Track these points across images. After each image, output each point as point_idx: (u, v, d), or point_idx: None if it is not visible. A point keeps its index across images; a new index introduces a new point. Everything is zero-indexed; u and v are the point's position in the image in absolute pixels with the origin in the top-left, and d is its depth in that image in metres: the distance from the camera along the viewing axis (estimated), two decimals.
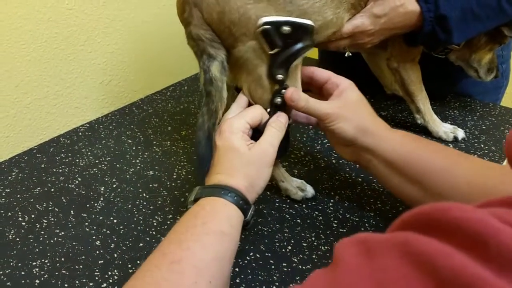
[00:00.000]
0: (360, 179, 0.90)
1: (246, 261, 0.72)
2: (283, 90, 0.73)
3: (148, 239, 0.78)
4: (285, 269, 0.71)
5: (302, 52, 0.72)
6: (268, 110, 0.74)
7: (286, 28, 0.68)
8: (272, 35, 0.69)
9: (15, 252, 0.77)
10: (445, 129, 1.00)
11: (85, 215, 0.85)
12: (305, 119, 0.80)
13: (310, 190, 0.85)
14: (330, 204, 0.84)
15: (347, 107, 0.73)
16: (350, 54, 0.90)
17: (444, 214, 0.28)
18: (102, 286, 0.70)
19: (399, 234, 0.30)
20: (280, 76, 0.72)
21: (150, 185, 0.92)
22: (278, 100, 0.73)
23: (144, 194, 0.89)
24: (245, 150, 0.66)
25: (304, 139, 1.05)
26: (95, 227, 0.81)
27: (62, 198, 0.90)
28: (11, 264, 0.75)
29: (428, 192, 0.68)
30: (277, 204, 0.84)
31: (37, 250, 0.77)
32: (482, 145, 1.00)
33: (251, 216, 0.65)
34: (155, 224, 0.81)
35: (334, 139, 0.76)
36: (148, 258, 0.55)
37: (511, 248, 0.24)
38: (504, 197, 0.29)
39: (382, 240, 0.30)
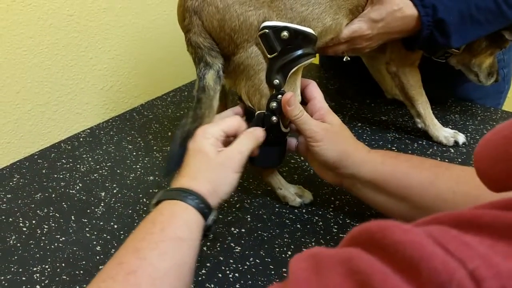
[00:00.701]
0: None
1: (246, 267, 0.72)
2: (279, 96, 0.73)
3: None
4: (285, 275, 0.71)
5: (302, 59, 0.73)
6: (264, 113, 0.75)
7: (285, 34, 0.69)
8: (271, 39, 0.69)
9: (16, 257, 0.77)
10: (446, 133, 1.00)
11: (85, 220, 0.85)
12: (294, 148, 0.81)
13: (308, 196, 0.85)
14: (330, 209, 0.84)
15: (331, 132, 0.74)
16: (349, 59, 0.90)
17: (384, 234, 0.28)
18: None
19: (345, 250, 0.30)
20: (276, 81, 0.72)
21: (151, 191, 0.92)
22: (274, 104, 0.74)
23: (145, 200, 0.89)
24: (213, 155, 0.64)
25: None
26: (95, 233, 0.82)
27: (63, 203, 0.90)
28: (12, 269, 0.75)
29: (414, 207, 0.69)
30: (277, 209, 0.84)
31: (37, 255, 0.77)
32: None
33: (213, 221, 0.63)
34: None
35: (316, 162, 0.77)
36: (104, 267, 0.53)
37: (440, 272, 0.24)
38: (446, 214, 0.29)
39: (330, 256, 0.30)
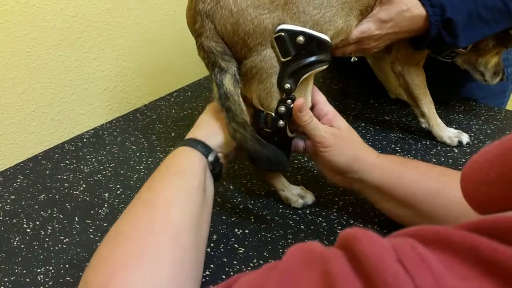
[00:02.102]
0: None
1: (249, 268, 0.72)
2: (289, 100, 0.73)
3: None
4: None
5: (315, 66, 0.72)
6: (272, 116, 0.75)
7: (300, 39, 0.69)
8: (287, 43, 0.69)
9: (20, 259, 0.77)
10: (450, 133, 1.00)
11: (89, 221, 0.85)
12: (303, 150, 0.81)
13: (310, 197, 0.85)
14: (334, 210, 0.83)
15: (340, 137, 0.75)
16: (356, 59, 0.90)
17: (354, 243, 0.30)
18: None
19: (331, 251, 0.32)
20: (287, 86, 0.72)
21: None
22: (282, 109, 0.74)
23: None
24: (214, 112, 0.75)
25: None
26: (99, 234, 0.81)
27: (67, 204, 0.90)
28: (16, 271, 0.75)
29: (420, 214, 0.69)
30: (280, 210, 0.84)
31: (41, 257, 0.77)
32: None
33: (214, 159, 0.70)
34: None
35: (325, 166, 0.78)
36: (128, 206, 0.63)
37: (390, 286, 0.26)
38: (427, 228, 0.30)
39: (320, 253, 0.32)
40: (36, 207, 0.90)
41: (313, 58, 0.71)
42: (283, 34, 0.69)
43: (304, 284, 0.31)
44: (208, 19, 0.70)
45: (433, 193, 0.67)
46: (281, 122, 0.75)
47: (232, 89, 0.70)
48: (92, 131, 1.16)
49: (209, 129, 0.73)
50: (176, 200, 0.61)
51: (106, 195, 0.92)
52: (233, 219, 0.83)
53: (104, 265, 0.53)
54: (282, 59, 0.70)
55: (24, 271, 0.75)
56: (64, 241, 0.81)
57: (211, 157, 0.69)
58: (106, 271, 0.52)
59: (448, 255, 0.28)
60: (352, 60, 0.90)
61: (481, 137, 1.04)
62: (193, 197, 0.63)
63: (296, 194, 0.84)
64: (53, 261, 0.76)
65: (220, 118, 0.73)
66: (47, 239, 0.81)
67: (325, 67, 0.74)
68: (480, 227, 0.28)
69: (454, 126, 1.06)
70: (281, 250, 0.75)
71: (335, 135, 0.74)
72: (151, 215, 0.58)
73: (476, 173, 0.34)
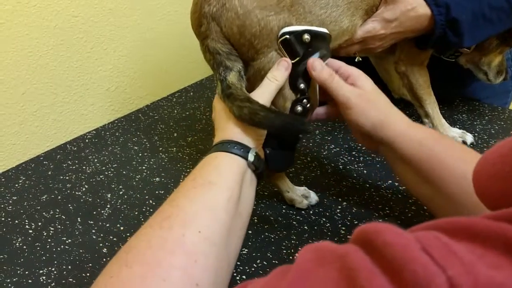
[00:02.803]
0: (368, 185, 0.89)
1: (253, 269, 0.72)
2: (305, 100, 0.73)
3: None
4: None
5: (322, 60, 0.72)
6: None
7: (306, 37, 0.69)
8: (294, 44, 0.69)
9: (22, 260, 0.77)
10: (454, 134, 0.99)
11: (91, 222, 0.84)
12: (325, 115, 0.79)
13: (313, 197, 0.85)
14: (338, 210, 0.83)
15: (365, 99, 0.71)
16: (361, 59, 0.90)
17: (377, 235, 0.29)
18: None
19: (345, 246, 0.32)
20: (302, 85, 0.72)
21: (157, 192, 0.91)
22: (299, 108, 0.73)
23: (151, 201, 0.89)
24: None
25: (311, 144, 1.04)
26: (102, 235, 0.81)
27: (69, 205, 0.89)
28: (18, 272, 0.74)
29: (439, 193, 0.66)
30: (284, 211, 0.84)
31: (44, 258, 0.77)
32: None
33: (254, 157, 0.64)
34: None
35: (352, 128, 0.76)
36: (147, 221, 0.57)
37: (420, 276, 0.25)
38: (446, 220, 0.30)
39: (332, 250, 0.32)
40: (38, 208, 0.89)
41: (318, 54, 0.71)
42: (288, 36, 0.69)
43: (322, 282, 0.30)
44: (214, 21, 0.69)
45: (460, 176, 0.64)
46: (299, 108, 0.74)
47: (236, 82, 0.69)
48: (94, 132, 1.16)
49: (239, 126, 0.66)
50: (194, 220, 0.54)
51: (109, 195, 0.91)
52: None
53: (107, 286, 0.49)
54: (292, 61, 0.70)
55: (27, 272, 0.74)
56: (67, 242, 0.80)
57: (251, 157, 0.63)
58: None
59: (475, 244, 0.27)
60: (356, 60, 0.90)
61: (485, 137, 1.04)
62: (219, 214, 0.56)
63: (300, 195, 0.84)
64: (55, 262, 0.76)
65: None
66: (49, 240, 0.81)
67: (327, 60, 0.74)
68: (504, 216, 0.28)
69: (458, 126, 1.05)
70: (284, 251, 0.74)
71: (360, 96, 0.71)
72: (165, 237, 0.52)
73: (489, 168, 0.33)
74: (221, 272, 0.54)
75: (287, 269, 0.34)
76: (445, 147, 0.69)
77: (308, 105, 0.74)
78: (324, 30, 0.72)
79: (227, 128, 0.67)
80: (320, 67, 0.71)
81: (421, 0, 0.82)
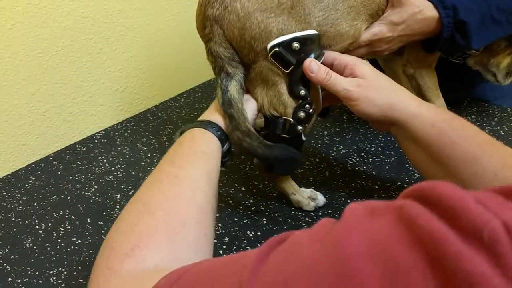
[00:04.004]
0: (377, 187, 0.89)
1: None
2: (307, 106, 0.73)
3: None
4: None
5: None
6: (290, 122, 0.74)
7: (296, 45, 0.69)
8: (285, 55, 0.69)
9: (32, 260, 0.78)
10: None
11: (101, 223, 0.85)
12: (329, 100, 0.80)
13: (321, 198, 0.85)
14: None
15: (367, 87, 0.70)
16: (368, 62, 0.89)
17: (433, 189, 0.31)
18: None
19: (398, 200, 0.33)
20: (302, 92, 0.72)
21: None
22: (302, 114, 0.73)
23: None
24: None
25: (319, 145, 1.04)
26: None
27: (79, 206, 0.90)
28: (29, 272, 0.75)
29: (450, 175, 0.65)
30: (292, 212, 0.84)
31: (54, 258, 0.78)
32: None
33: (227, 148, 0.70)
34: None
35: (362, 117, 0.75)
36: (148, 177, 0.62)
37: (476, 221, 0.27)
38: (497, 186, 0.32)
39: (384, 204, 0.34)
40: (48, 208, 0.90)
41: (312, 56, 0.71)
42: (277, 49, 0.69)
43: (379, 229, 0.31)
44: (217, 24, 0.70)
45: (470, 159, 0.64)
46: (299, 127, 0.75)
47: (237, 96, 0.70)
48: (103, 132, 1.16)
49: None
50: (200, 183, 0.61)
51: (118, 196, 0.92)
52: (245, 221, 0.83)
53: (131, 232, 0.52)
54: (286, 71, 0.70)
55: (37, 273, 0.75)
56: (77, 242, 0.81)
57: (226, 147, 0.70)
58: (134, 238, 0.51)
59: None
60: None
61: (495, 138, 1.03)
62: (213, 180, 0.63)
63: (307, 197, 0.84)
64: (65, 262, 0.77)
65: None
66: (59, 240, 0.82)
67: (322, 59, 0.74)
68: None
69: None
70: None
71: (361, 86, 0.70)
72: (178, 191, 0.58)
73: None
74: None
75: (332, 221, 0.36)
76: (456, 128, 0.68)
77: (311, 110, 0.74)
78: (312, 31, 0.71)
79: (218, 113, 0.72)
80: (317, 68, 0.70)
81: (428, 2, 0.81)
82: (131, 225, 0.53)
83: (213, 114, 0.73)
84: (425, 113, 0.69)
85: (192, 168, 0.62)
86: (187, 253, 0.52)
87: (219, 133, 0.69)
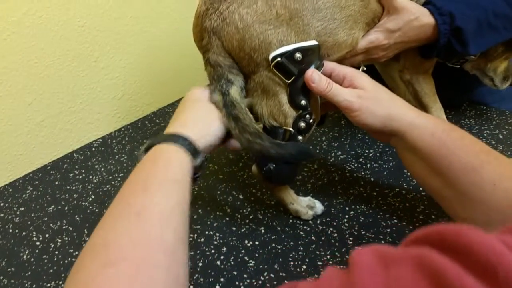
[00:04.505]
0: (375, 193, 0.89)
1: (260, 281, 0.71)
2: (307, 116, 0.73)
3: None
4: None
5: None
6: (291, 132, 0.74)
7: (298, 55, 0.69)
8: (287, 65, 0.69)
9: (29, 273, 0.77)
10: None
11: None
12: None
13: (319, 206, 0.84)
14: (345, 220, 0.83)
15: (367, 98, 0.70)
16: (365, 69, 0.89)
17: (458, 236, 0.29)
18: None
19: (414, 248, 0.31)
20: (303, 102, 0.72)
21: None
22: (302, 124, 0.73)
23: None
24: (204, 104, 0.70)
25: (318, 151, 1.04)
26: None
27: (76, 216, 0.90)
28: (26, 285, 0.75)
29: (449, 186, 0.65)
30: (290, 221, 0.83)
31: (51, 271, 0.77)
32: None
33: (201, 163, 0.65)
34: None
35: (362, 128, 0.74)
36: (112, 207, 0.55)
37: None
38: None
39: (398, 252, 0.31)
40: (46, 219, 0.90)
41: (313, 66, 0.71)
42: (280, 59, 0.68)
43: (406, 281, 0.29)
44: (215, 35, 0.69)
45: (469, 169, 0.63)
46: (299, 137, 0.74)
47: (238, 98, 0.70)
48: (101, 140, 1.16)
49: (200, 127, 0.67)
50: (171, 218, 0.55)
51: None
52: (243, 230, 0.82)
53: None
54: (287, 81, 0.70)
55: (34, 286, 0.75)
56: (74, 254, 0.80)
57: (198, 162, 0.65)
58: None
59: None
60: (360, 70, 0.89)
61: (493, 142, 1.03)
62: (186, 210, 0.59)
63: (305, 206, 0.83)
64: (62, 275, 0.76)
65: (209, 113, 0.69)
66: (56, 252, 0.81)
67: (323, 68, 0.74)
68: None
69: (466, 131, 1.04)
70: (291, 263, 0.74)
71: (361, 97, 0.70)
72: (146, 232, 0.51)
73: None
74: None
75: (345, 271, 0.34)
76: (455, 138, 0.67)
77: (311, 120, 0.73)
78: (313, 42, 0.71)
79: (192, 125, 0.67)
80: (318, 78, 0.70)
81: (424, 9, 0.81)
82: (88, 281, 0.45)
83: (185, 126, 0.67)
84: (424, 123, 0.69)
85: (164, 200, 0.56)
86: None
87: (191, 148, 0.64)
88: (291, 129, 0.73)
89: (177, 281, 0.50)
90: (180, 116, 0.69)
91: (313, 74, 0.70)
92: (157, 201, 0.55)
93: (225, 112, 0.69)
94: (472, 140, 0.69)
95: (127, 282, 0.45)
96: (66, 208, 0.92)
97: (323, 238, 0.79)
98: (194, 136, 0.65)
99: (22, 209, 0.93)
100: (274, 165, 0.76)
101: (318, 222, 0.83)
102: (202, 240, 0.81)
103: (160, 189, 0.57)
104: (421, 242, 0.31)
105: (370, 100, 0.70)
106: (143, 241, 0.50)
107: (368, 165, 0.98)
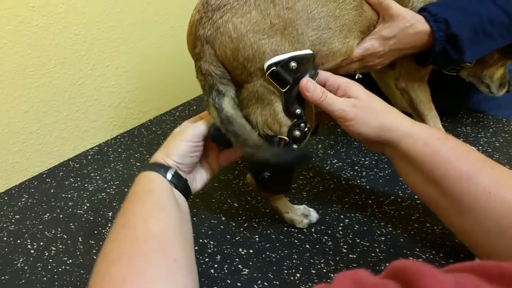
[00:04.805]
0: (370, 201, 0.88)
1: None
2: (302, 124, 0.73)
3: None
4: None
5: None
6: (285, 141, 0.73)
7: (293, 64, 0.68)
8: (282, 74, 0.69)
9: (23, 281, 0.77)
10: None
11: (93, 242, 0.84)
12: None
13: (314, 215, 0.84)
14: (340, 228, 0.82)
15: (361, 107, 0.70)
16: (361, 76, 0.89)
17: (418, 278, 0.31)
18: None
19: (384, 282, 0.33)
20: (298, 111, 0.71)
21: None
22: (297, 133, 0.73)
23: None
24: (174, 131, 0.76)
25: (313, 159, 1.04)
26: None
27: (71, 224, 0.90)
28: None
29: (444, 194, 0.65)
30: (285, 229, 0.83)
31: (45, 279, 0.77)
32: None
33: (172, 177, 0.70)
34: None
35: (356, 138, 0.75)
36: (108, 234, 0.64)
37: None
38: (476, 264, 0.31)
39: (372, 284, 0.33)
40: (41, 227, 0.89)
41: (307, 75, 0.71)
42: (275, 68, 0.68)
43: None
44: (208, 44, 0.69)
45: (463, 177, 0.63)
46: (295, 146, 0.74)
47: (233, 112, 0.69)
48: (96, 148, 1.16)
49: (165, 149, 0.74)
50: (151, 214, 0.62)
51: (110, 214, 0.91)
52: (237, 238, 0.82)
53: (102, 285, 0.55)
54: (282, 90, 0.70)
55: None
56: (68, 262, 0.80)
57: (169, 176, 0.70)
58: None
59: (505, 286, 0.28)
60: (356, 77, 0.89)
61: (490, 150, 1.03)
62: (167, 208, 0.64)
63: (300, 215, 0.83)
64: (56, 283, 0.76)
65: (174, 135, 0.75)
66: (50, 260, 0.81)
67: (317, 77, 0.74)
68: None
69: (462, 139, 1.04)
70: (285, 271, 0.74)
71: (355, 106, 0.70)
72: (131, 234, 0.60)
73: None
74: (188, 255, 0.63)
75: None
76: (449, 147, 0.68)
77: (306, 129, 0.73)
78: (308, 51, 0.71)
79: (159, 151, 0.74)
80: (313, 87, 0.70)
81: (419, 16, 0.81)
82: (100, 279, 0.56)
83: (155, 155, 0.74)
84: (418, 133, 0.69)
85: (139, 208, 0.64)
86: (160, 285, 0.55)
87: (156, 167, 0.71)
88: (286, 138, 0.73)
89: (174, 261, 0.57)
90: (162, 147, 0.76)
91: (307, 83, 0.70)
92: (133, 211, 0.64)
93: (223, 128, 0.70)
94: (467, 149, 0.69)
95: (130, 271, 0.55)
96: (61, 216, 0.92)
97: (317, 246, 0.79)
98: (160, 157, 0.73)
99: (18, 217, 0.93)
100: (269, 174, 0.75)
101: (313, 230, 0.83)
102: (196, 248, 0.80)
103: (133, 203, 0.66)
104: (394, 274, 0.33)
105: (364, 109, 0.70)
106: (133, 238, 0.59)
107: (364, 173, 0.98)
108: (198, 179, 0.77)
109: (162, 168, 0.70)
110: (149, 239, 0.58)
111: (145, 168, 0.72)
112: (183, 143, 0.73)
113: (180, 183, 0.71)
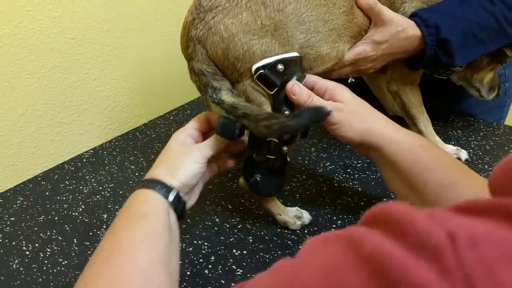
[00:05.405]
0: (362, 203, 0.90)
1: None
2: None
3: None
4: None
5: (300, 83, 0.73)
6: (275, 142, 0.74)
7: (280, 67, 0.70)
8: (270, 76, 0.70)
9: (18, 282, 0.77)
10: (448, 150, 1.00)
11: (88, 243, 0.85)
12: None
13: (307, 216, 0.85)
14: (333, 229, 0.83)
15: (347, 111, 0.72)
16: (353, 80, 0.91)
17: (380, 209, 0.33)
18: None
19: (350, 228, 0.34)
20: (287, 113, 0.73)
21: None
22: (287, 135, 0.74)
23: None
24: (175, 147, 0.72)
25: (306, 162, 1.05)
26: None
27: (66, 226, 0.90)
28: None
29: (427, 202, 0.66)
30: (278, 230, 0.84)
31: (40, 280, 0.78)
32: (486, 166, 0.99)
33: (174, 198, 0.66)
34: None
35: (342, 140, 0.76)
36: (93, 254, 0.61)
37: (422, 235, 0.28)
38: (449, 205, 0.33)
39: (336, 234, 0.35)
40: (36, 229, 0.90)
41: (294, 78, 0.72)
42: (263, 71, 0.69)
43: (329, 255, 0.32)
44: (200, 44, 0.71)
45: (445, 185, 0.65)
46: (284, 148, 0.75)
47: (235, 99, 0.70)
48: (91, 151, 1.17)
49: (168, 167, 0.70)
50: (141, 244, 0.59)
51: (105, 216, 0.92)
52: (231, 239, 0.83)
53: None
54: (271, 92, 0.71)
55: None
56: (63, 263, 0.81)
57: (171, 197, 0.66)
58: None
59: (477, 217, 0.29)
60: (349, 82, 0.90)
61: (480, 153, 1.04)
62: (158, 238, 0.61)
63: (293, 216, 0.84)
64: (51, 284, 0.76)
65: (179, 154, 0.71)
66: (46, 261, 0.81)
67: (305, 79, 0.75)
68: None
69: (453, 143, 1.06)
70: None
71: (341, 110, 0.71)
72: (117, 263, 0.56)
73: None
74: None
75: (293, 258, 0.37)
76: (432, 155, 0.69)
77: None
78: (294, 54, 0.72)
79: (160, 167, 0.70)
80: (299, 90, 0.71)
81: (411, 21, 0.83)
82: None
83: (154, 169, 0.71)
84: (402, 139, 0.71)
85: (130, 235, 0.60)
86: None
87: (158, 187, 0.66)
88: (275, 140, 0.74)
89: None
90: (157, 161, 0.72)
91: (293, 86, 0.71)
92: (123, 237, 0.60)
93: (233, 116, 0.69)
94: (451, 158, 0.71)
95: None
96: (56, 218, 0.93)
97: None
98: (161, 174, 0.68)
99: (13, 219, 0.93)
100: (260, 177, 0.76)
101: (306, 231, 0.84)
102: (191, 249, 0.81)
103: (125, 226, 0.62)
104: (361, 222, 0.35)
105: (350, 113, 0.72)
106: (114, 274, 0.55)
107: (356, 175, 0.99)
108: (192, 199, 0.75)
109: (164, 188, 0.66)
110: (134, 271, 0.55)
111: (145, 184, 0.67)
112: (194, 165, 0.69)
113: (180, 205, 0.68)
